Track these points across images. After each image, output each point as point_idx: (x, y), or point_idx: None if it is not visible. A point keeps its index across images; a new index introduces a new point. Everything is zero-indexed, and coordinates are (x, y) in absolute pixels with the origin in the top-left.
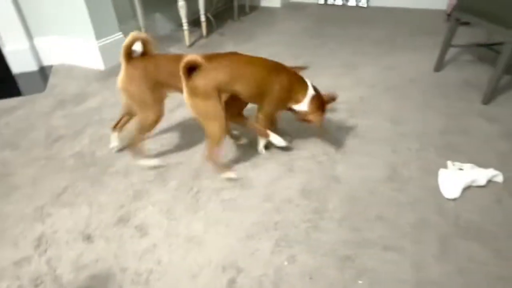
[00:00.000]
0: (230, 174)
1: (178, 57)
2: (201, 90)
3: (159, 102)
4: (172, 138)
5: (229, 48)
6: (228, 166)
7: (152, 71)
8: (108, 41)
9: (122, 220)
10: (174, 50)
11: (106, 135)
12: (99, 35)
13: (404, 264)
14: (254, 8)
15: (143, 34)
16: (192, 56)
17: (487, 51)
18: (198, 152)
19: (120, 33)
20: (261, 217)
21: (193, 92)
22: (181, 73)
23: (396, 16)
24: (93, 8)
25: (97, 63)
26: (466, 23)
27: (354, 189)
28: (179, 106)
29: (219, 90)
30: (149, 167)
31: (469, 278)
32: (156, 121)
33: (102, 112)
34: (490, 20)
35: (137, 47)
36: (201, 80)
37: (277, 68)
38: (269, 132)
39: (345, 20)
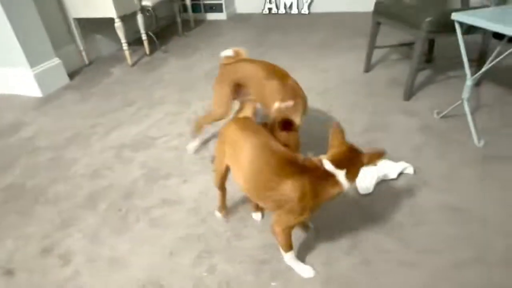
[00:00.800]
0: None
1: (256, 62)
2: None
3: (229, 100)
4: (106, 160)
5: (171, 64)
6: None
7: (231, 72)
8: (44, 67)
9: (46, 250)
10: (116, 70)
11: (39, 164)
12: (33, 63)
13: (315, 261)
14: (200, 22)
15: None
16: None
17: (410, 49)
18: (132, 172)
19: (57, 58)
20: (187, 231)
21: None
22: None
23: (335, 21)
24: (24, 36)
25: (34, 91)
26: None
27: None
28: (115, 128)
29: None
30: (193, 150)
31: (374, 267)
32: (221, 116)
33: (37, 140)
34: (403, 22)
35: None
36: None
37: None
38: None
39: (287, 28)
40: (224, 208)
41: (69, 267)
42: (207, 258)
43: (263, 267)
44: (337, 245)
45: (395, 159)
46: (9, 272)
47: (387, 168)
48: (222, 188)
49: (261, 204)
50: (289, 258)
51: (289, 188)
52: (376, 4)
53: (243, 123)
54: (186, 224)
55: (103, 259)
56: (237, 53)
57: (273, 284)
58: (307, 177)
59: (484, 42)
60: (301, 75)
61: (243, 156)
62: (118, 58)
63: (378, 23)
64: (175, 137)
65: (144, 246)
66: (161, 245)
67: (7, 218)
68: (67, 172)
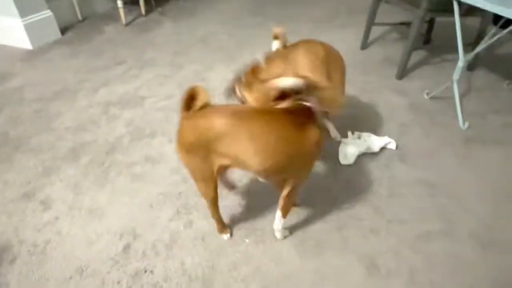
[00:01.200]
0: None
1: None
2: None
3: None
4: (92, 116)
5: (165, 27)
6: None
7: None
8: (34, 19)
9: (27, 196)
10: (110, 29)
11: (24, 114)
12: (24, 13)
13: (290, 223)
14: None
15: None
16: None
17: (407, 29)
18: (117, 128)
19: (48, 10)
20: (167, 188)
21: None
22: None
23: None
24: None
25: (23, 42)
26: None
27: None
28: (103, 85)
29: None
30: None
31: (345, 232)
32: None
33: (23, 91)
34: (407, 0)
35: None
36: None
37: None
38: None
39: (287, 0)
40: (225, 225)
41: (49, 213)
42: (185, 214)
43: (238, 225)
44: (313, 210)
45: (380, 134)
46: None
47: (370, 142)
48: (216, 199)
49: (278, 182)
50: (283, 223)
51: (313, 136)
52: None
53: (222, 112)
54: (167, 182)
55: (83, 208)
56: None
57: (246, 240)
58: (310, 120)
59: (482, 26)
60: None
61: (253, 140)
62: (112, 16)
63: (379, 0)
64: (164, 98)
65: (124, 198)
66: (141, 199)
67: None
68: (51, 124)
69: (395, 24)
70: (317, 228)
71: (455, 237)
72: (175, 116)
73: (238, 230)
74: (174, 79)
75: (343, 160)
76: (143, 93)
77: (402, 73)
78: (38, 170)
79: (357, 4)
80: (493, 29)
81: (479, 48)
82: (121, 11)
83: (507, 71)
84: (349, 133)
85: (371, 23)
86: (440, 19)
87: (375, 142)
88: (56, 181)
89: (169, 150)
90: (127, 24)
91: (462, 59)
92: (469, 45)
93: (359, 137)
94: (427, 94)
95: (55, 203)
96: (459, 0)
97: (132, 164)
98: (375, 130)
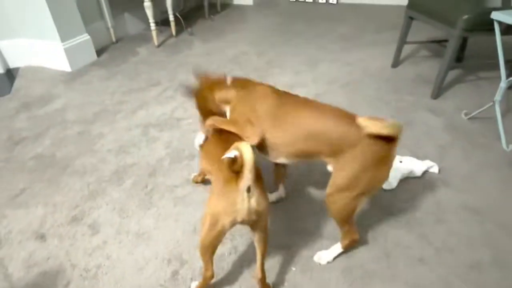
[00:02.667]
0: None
1: None
2: None
3: None
4: (132, 138)
5: (196, 47)
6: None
7: None
8: (74, 42)
9: (76, 219)
10: (142, 50)
11: (68, 136)
12: (64, 37)
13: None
14: (226, 6)
15: None
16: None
17: (440, 47)
18: (157, 150)
19: (86, 34)
20: None
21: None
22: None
23: (364, 13)
24: (56, 10)
25: (63, 65)
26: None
27: (295, 182)
28: (141, 107)
29: None
30: None
31: (393, 260)
32: None
33: (65, 113)
34: (437, 18)
35: None
36: None
37: None
38: None
39: (314, 17)
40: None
41: (97, 237)
42: (229, 239)
43: (283, 251)
44: (359, 236)
45: (420, 157)
46: (41, 237)
47: (413, 166)
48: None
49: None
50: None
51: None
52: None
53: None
54: None
55: (130, 232)
56: None
57: (293, 269)
58: None
59: None
60: (325, 67)
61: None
62: (144, 37)
63: (411, 18)
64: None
65: (169, 222)
66: (185, 222)
67: (37, 186)
68: (94, 146)
69: (426, 42)
70: (363, 255)
71: (506, 266)
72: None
73: (285, 257)
74: None
75: (385, 185)
76: (179, 115)
77: (438, 92)
78: (84, 193)
79: (384, 21)
80: None
81: None
82: (154, 33)
83: None
84: None
85: (403, 41)
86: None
87: (418, 166)
88: (102, 204)
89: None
90: (159, 45)
91: (504, 80)
92: (507, 63)
93: (400, 161)
94: (466, 114)
95: (102, 227)
96: (499, 20)
97: (174, 187)
98: (414, 152)
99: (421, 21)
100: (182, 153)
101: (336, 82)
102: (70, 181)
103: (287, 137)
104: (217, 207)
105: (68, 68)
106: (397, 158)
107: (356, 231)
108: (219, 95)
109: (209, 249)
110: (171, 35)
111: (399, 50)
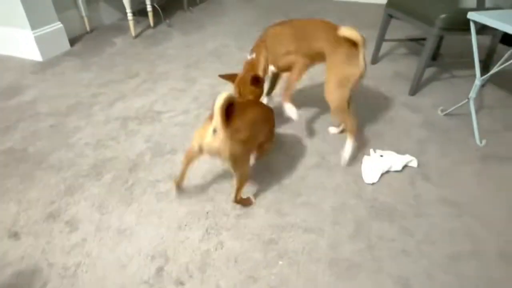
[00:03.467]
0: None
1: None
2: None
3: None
4: (110, 131)
5: (175, 39)
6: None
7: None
8: (45, 31)
9: (52, 216)
10: (119, 40)
11: (40, 130)
12: (35, 25)
13: (321, 244)
14: None
15: None
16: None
17: (417, 45)
18: (137, 144)
19: (59, 22)
20: (194, 207)
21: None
22: (219, 114)
23: (342, 9)
24: None
25: (34, 54)
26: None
27: (284, 176)
28: (118, 99)
29: None
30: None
31: (376, 253)
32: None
33: (37, 105)
34: (416, 17)
35: None
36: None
37: None
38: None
39: (293, 11)
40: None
41: (76, 234)
42: (214, 234)
43: (270, 246)
44: (343, 230)
45: (400, 152)
46: (15, 235)
47: (393, 160)
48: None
49: None
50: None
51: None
52: None
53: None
54: (193, 201)
55: (111, 229)
56: None
57: (280, 262)
58: None
59: (493, 44)
60: None
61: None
62: (120, 28)
63: (390, 16)
64: (181, 113)
65: (151, 218)
66: (168, 218)
67: (8, 181)
68: (70, 140)
69: (404, 41)
70: (348, 248)
71: (485, 257)
72: (194, 132)
73: (271, 251)
74: (189, 93)
75: (367, 179)
76: (159, 108)
77: (415, 89)
78: (61, 189)
79: (362, 19)
80: (510, 50)
81: (496, 68)
82: (131, 23)
83: None
84: (371, 151)
85: (382, 38)
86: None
87: (398, 160)
88: (80, 200)
89: (192, 167)
90: (136, 36)
91: (479, 78)
92: (481, 62)
93: (381, 155)
94: (442, 110)
95: (81, 224)
96: (475, 20)
97: (156, 182)
98: (395, 147)
99: (400, 19)
100: (164, 147)
101: (315, 77)
102: (45, 176)
103: (304, 46)
104: (195, 133)
105: (39, 58)
106: (378, 153)
107: (354, 117)
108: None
109: (185, 162)
110: (149, 26)
111: (377, 47)
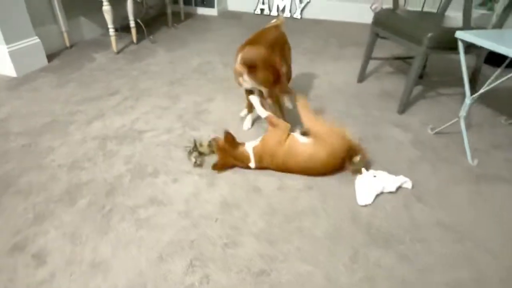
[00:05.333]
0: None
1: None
2: None
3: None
4: (87, 152)
5: (158, 55)
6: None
7: None
8: (21, 45)
9: (17, 248)
10: (100, 56)
11: (11, 150)
12: (9, 39)
13: (316, 275)
14: (190, 15)
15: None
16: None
17: (403, 63)
18: (116, 166)
19: (36, 37)
20: (177, 236)
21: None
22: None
23: (327, 28)
24: (1, 9)
25: (8, 70)
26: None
27: (274, 200)
28: (97, 117)
29: None
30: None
31: (375, 283)
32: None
33: (9, 124)
34: (403, 36)
35: None
36: None
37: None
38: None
39: None
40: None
41: (43, 269)
42: (199, 266)
43: (261, 278)
44: (339, 259)
45: (391, 172)
46: None
47: (387, 181)
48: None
49: None
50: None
51: None
52: (376, 16)
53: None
54: (176, 228)
55: (83, 262)
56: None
57: None
58: None
59: (478, 64)
60: (295, 78)
61: None
62: (102, 43)
63: (377, 35)
64: (164, 132)
65: (130, 249)
66: (149, 248)
67: None
68: (42, 161)
69: (391, 59)
70: (345, 280)
71: (486, 284)
72: (177, 152)
73: (262, 284)
74: (172, 111)
75: (361, 200)
76: (141, 127)
77: (404, 108)
78: (29, 216)
79: (346, 37)
80: (498, 69)
81: (486, 88)
82: (113, 39)
83: (501, 106)
84: (364, 171)
85: (368, 57)
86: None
87: (391, 181)
88: (50, 229)
89: (175, 191)
90: (118, 52)
91: (469, 96)
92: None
93: (374, 176)
94: (432, 129)
95: (50, 257)
96: (463, 39)
97: (136, 208)
98: (385, 167)
99: (386, 38)
100: (145, 169)
101: (304, 95)
102: (12, 202)
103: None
104: None
105: (13, 73)
106: (371, 173)
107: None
108: None
109: None
110: (132, 42)
111: (364, 65)
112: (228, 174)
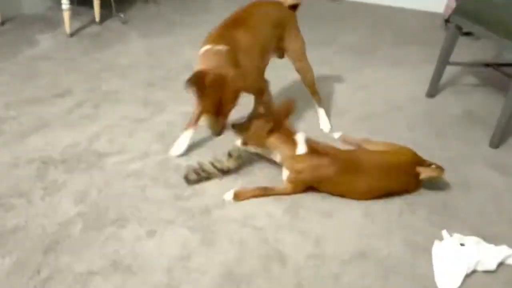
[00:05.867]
0: None
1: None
2: None
3: None
4: (18, 182)
5: (131, 41)
6: None
7: None
8: None
9: None
10: (45, 39)
11: None
12: None
13: None
14: None
15: None
16: None
17: (497, 72)
18: (62, 206)
19: None
20: None
21: None
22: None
23: (377, 17)
24: None
25: None
26: (469, 33)
27: (304, 275)
28: (36, 129)
29: None
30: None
31: None
32: None
33: None
34: (502, 32)
35: None
36: None
37: None
38: None
39: (308, 16)
40: None
41: None
42: None
43: None
44: None
45: (488, 239)
46: None
47: (483, 254)
48: None
49: None
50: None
51: None
52: (462, 1)
53: None
54: None
55: None
56: None
57: None
58: None
59: None
60: (329, 89)
61: None
62: (49, 21)
63: (459, 29)
64: (137, 156)
65: None
66: None
67: None
68: None
69: (479, 65)
70: None
71: None
72: (157, 188)
73: None
74: (150, 125)
75: (443, 284)
76: (102, 147)
77: (499, 139)
78: None
79: (405, 31)
80: None
81: None
82: (66, 15)
83: None
84: (445, 234)
85: (445, 61)
86: None
87: (489, 254)
88: None
89: (152, 252)
90: (72, 34)
91: None
92: None
93: (462, 244)
94: None
95: None
96: None
97: (89, 275)
98: (479, 229)
99: (472, 34)
100: (105, 214)
101: (348, 113)
102: None
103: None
104: None
105: None
106: (457, 240)
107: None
108: None
109: None
110: (93, 21)
111: (438, 73)
112: (234, 227)
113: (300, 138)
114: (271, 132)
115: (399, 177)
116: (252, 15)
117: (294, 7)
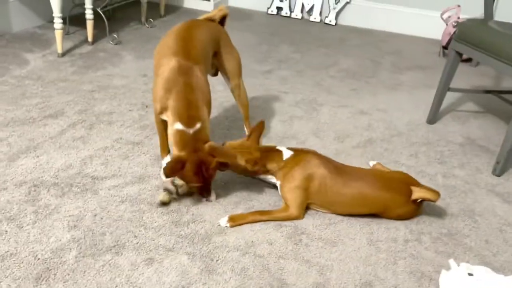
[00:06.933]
0: None
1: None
2: None
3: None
4: (8, 206)
5: (125, 62)
6: None
7: None
8: None
9: None
10: (35, 58)
11: None
12: None
13: None
14: (174, 8)
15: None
16: None
17: (497, 99)
18: (54, 232)
19: None
20: None
21: None
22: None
23: (374, 42)
24: None
25: None
26: (469, 60)
27: None
28: (27, 151)
29: None
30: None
31: None
32: None
33: None
34: (505, 59)
35: None
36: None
37: None
38: None
39: (305, 40)
40: None
41: None
42: None
43: None
44: None
45: (496, 268)
46: None
47: (492, 285)
48: None
49: None
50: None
51: None
52: (461, 27)
53: None
54: None
55: None
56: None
57: None
58: None
59: None
60: (329, 117)
61: None
62: (39, 40)
63: (459, 55)
64: (132, 181)
65: None
66: None
67: None
68: None
69: (480, 92)
70: None
71: None
72: (154, 213)
73: None
74: (147, 148)
75: None
76: (96, 171)
77: (503, 166)
78: None
79: (404, 55)
80: None
81: None
82: (58, 34)
83: None
84: (452, 263)
85: (446, 87)
86: None
87: (499, 284)
88: None
89: (150, 281)
90: (63, 54)
91: None
92: None
93: (470, 274)
94: None
95: None
96: None
97: None
98: (486, 259)
99: (470, 61)
100: (101, 240)
101: (348, 139)
102: None
103: None
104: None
105: None
106: (464, 269)
107: None
108: None
109: None
110: (86, 41)
111: (439, 99)
112: (235, 254)
113: (280, 147)
114: (255, 162)
115: (391, 188)
116: (194, 42)
117: (222, 21)
